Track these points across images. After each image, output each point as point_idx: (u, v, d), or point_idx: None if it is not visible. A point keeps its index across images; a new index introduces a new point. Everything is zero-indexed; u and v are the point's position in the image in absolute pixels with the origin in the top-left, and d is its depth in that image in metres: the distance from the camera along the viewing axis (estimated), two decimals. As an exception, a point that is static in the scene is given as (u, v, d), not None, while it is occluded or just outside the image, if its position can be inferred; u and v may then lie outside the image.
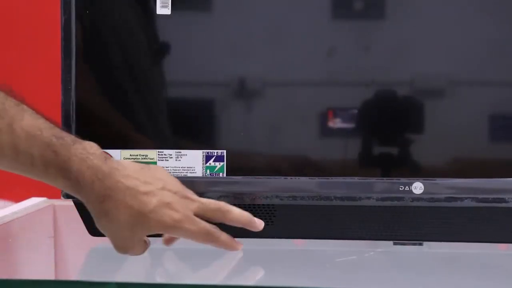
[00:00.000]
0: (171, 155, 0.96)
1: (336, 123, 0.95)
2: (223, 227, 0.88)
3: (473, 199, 0.93)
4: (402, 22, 0.95)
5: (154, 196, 0.83)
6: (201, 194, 0.90)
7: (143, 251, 0.85)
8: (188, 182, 0.94)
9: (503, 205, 0.93)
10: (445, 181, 0.93)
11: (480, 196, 0.93)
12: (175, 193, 0.84)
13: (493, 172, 0.94)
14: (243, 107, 0.96)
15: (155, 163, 0.96)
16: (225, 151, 0.95)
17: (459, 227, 0.94)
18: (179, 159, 0.96)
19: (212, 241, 0.85)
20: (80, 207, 0.96)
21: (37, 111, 0.83)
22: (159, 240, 0.99)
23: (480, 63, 0.94)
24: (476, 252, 0.97)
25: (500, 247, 0.98)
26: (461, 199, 0.94)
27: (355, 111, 0.95)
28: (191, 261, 0.94)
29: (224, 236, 0.86)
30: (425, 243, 0.95)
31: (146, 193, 0.83)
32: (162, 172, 0.86)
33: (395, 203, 0.94)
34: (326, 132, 0.95)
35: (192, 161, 0.96)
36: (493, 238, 0.94)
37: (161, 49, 0.96)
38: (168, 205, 0.83)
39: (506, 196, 0.93)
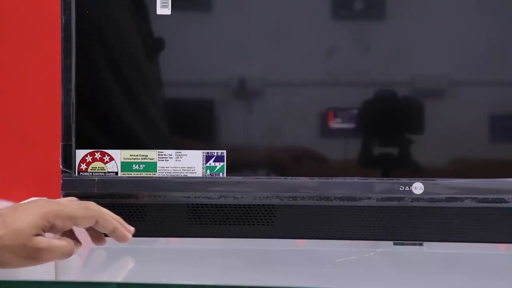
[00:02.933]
0: (171, 155, 0.96)
1: (336, 124, 0.95)
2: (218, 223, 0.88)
3: (473, 199, 0.93)
4: (402, 23, 0.95)
5: (23, 204, 0.83)
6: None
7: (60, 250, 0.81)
8: (188, 182, 0.94)
9: (503, 205, 0.93)
10: (445, 181, 0.93)
11: (480, 196, 0.93)
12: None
13: (493, 172, 0.94)
14: (243, 107, 0.96)
15: (155, 163, 0.96)
16: (225, 151, 0.96)
17: (459, 227, 0.94)
18: (179, 159, 0.96)
19: (95, 216, 0.82)
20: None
21: None
22: (160, 240, 0.99)
23: (480, 64, 0.94)
24: (476, 252, 0.97)
25: (500, 247, 0.98)
26: (461, 199, 0.94)
27: (355, 111, 0.95)
28: (191, 261, 0.94)
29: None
30: (425, 243, 0.95)
31: (15, 205, 0.83)
32: None
33: (395, 203, 0.94)
34: (326, 132, 0.95)
35: (192, 161, 0.96)
36: (493, 238, 0.94)
37: (156, 45, 0.96)
38: (38, 202, 0.83)
39: (506, 196, 0.93)
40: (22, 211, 0.81)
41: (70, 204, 0.83)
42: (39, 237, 0.80)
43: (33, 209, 0.81)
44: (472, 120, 0.94)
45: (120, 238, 0.84)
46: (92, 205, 0.84)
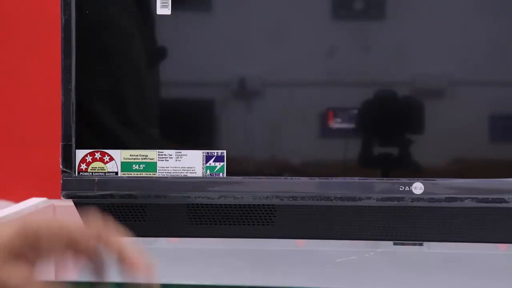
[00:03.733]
0: (171, 155, 0.96)
1: (336, 124, 0.95)
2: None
3: (473, 199, 0.93)
4: (402, 22, 0.95)
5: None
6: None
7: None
8: (188, 182, 0.94)
9: (503, 205, 0.93)
10: (445, 181, 0.93)
11: (480, 196, 0.93)
12: None
13: (493, 172, 0.94)
14: (243, 107, 0.96)
15: (155, 163, 0.96)
16: (225, 151, 0.96)
17: (459, 227, 0.94)
18: (179, 159, 0.96)
19: (97, 227, 0.60)
20: (81, 207, 0.96)
21: None
22: (160, 240, 0.99)
23: (481, 63, 0.94)
24: (476, 253, 0.97)
25: (500, 247, 0.98)
26: (461, 199, 0.94)
27: (355, 111, 0.95)
28: (191, 261, 0.94)
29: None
30: (425, 243, 0.95)
31: None
32: None
33: (395, 203, 0.94)
34: (327, 132, 0.95)
35: (192, 161, 0.96)
36: (493, 238, 0.94)
37: (159, 54, 0.96)
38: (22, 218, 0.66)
39: (506, 196, 0.93)
40: None
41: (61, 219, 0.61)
42: (12, 269, 0.58)
43: (11, 226, 0.60)
44: (472, 120, 0.94)
45: (132, 265, 0.59)
46: None
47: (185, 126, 0.97)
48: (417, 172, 0.94)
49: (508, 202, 0.93)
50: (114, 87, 0.96)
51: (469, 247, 0.96)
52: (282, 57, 0.95)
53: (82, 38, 0.96)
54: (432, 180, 0.94)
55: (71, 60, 0.96)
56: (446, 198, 0.93)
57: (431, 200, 0.94)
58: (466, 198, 0.93)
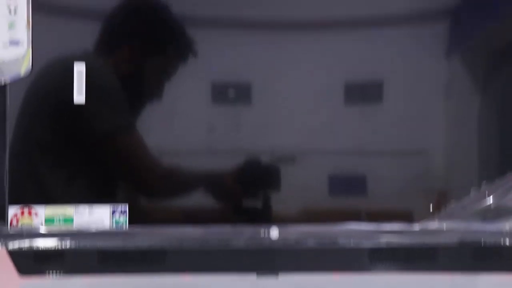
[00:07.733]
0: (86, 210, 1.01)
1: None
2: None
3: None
4: (265, 107, 1.08)
5: None
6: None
7: None
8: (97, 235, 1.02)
9: (335, 246, 1.05)
10: (295, 228, 1.05)
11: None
12: None
13: (331, 219, 1.06)
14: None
15: (72, 220, 1.02)
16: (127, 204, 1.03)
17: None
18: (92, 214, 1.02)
19: None
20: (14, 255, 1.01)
21: None
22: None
23: (321, 135, 1.07)
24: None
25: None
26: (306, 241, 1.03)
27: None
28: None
29: None
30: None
31: None
32: None
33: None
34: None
35: (101, 215, 1.02)
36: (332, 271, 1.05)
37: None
38: None
39: (338, 238, 1.04)
40: None
41: None
42: None
43: None
44: (316, 179, 1.06)
45: None
46: None
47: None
48: (274, 220, 1.06)
49: (339, 243, 1.04)
50: (41, 144, 1.00)
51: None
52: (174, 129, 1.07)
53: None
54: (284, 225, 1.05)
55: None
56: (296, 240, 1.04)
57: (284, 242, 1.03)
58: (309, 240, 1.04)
